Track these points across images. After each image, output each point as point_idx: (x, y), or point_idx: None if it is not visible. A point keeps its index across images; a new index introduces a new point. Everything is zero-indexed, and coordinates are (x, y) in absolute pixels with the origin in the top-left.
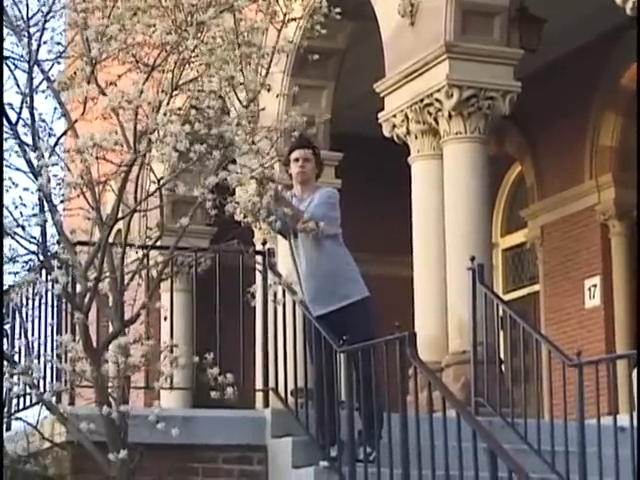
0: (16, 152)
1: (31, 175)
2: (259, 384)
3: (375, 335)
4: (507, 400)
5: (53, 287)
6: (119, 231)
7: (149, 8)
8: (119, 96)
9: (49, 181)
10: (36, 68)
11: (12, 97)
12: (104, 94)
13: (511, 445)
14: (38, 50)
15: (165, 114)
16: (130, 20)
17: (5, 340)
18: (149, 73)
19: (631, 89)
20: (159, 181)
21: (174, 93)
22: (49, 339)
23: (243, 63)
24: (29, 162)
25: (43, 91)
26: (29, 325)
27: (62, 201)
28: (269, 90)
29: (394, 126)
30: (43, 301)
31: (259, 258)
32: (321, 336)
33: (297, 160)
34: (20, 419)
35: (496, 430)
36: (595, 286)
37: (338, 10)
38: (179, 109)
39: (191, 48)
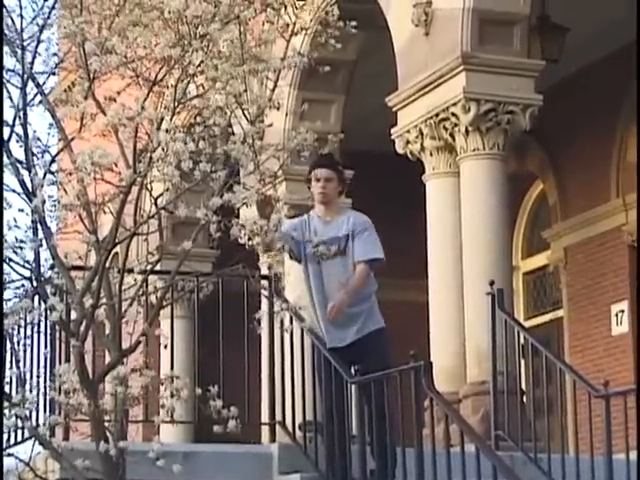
0: (9, 170)
1: (24, 196)
2: (265, 417)
3: (390, 366)
4: (529, 434)
5: (47, 315)
6: (116, 255)
7: (151, 21)
8: (119, 112)
9: (44, 202)
10: (30, 82)
11: (5, 112)
12: (103, 111)
13: None
14: (33, 62)
15: (167, 131)
16: (132, 33)
17: None
18: (150, 88)
19: None
20: (156, 201)
21: (177, 109)
22: (42, 369)
23: (250, 78)
24: (22, 182)
25: (38, 104)
26: (21, 354)
27: (57, 224)
28: (278, 108)
29: (408, 142)
30: (36, 329)
31: (265, 283)
32: (331, 366)
33: (318, 180)
34: (11, 455)
35: (518, 466)
36: (623, 311)
37: (354, 24)
38: (183, 126)
39: (196, 63)
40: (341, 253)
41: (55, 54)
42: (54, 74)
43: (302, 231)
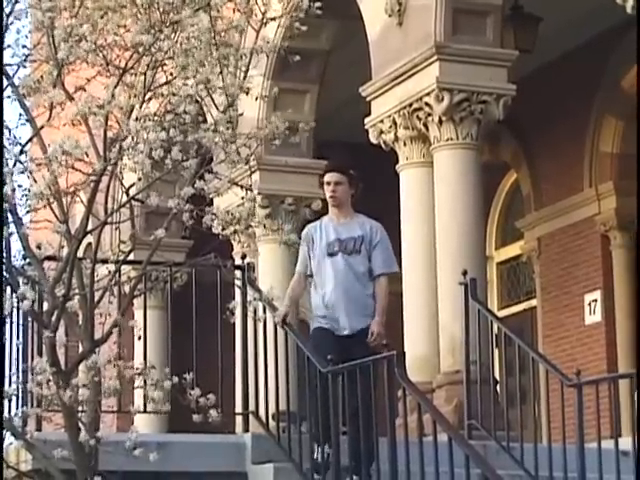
0: None
1: None
2: (239, 407)
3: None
4: (502, 423)
5: (19, 304)
6: (89, 245)
7: (120, 8)
8: (89, 101)
9: (14, 191)
10: None
11: None
12: (72, 99)
13: (506, 471)
14: (1, 54)
15: (137, 119)
16: (102, 19)
17: None
18: (121, 76)
19: (632, 92)
20: (127, 190)
21: (147, 97)
22: (14, 360)
23: (220, 65)
24: None
25: (9, 96)
26: None
27: (28, 211)
28: (247, 93)
29: (381, 132)
30: (8, 320)
31: (238, 273)
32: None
33: (328, 184)
34: None
35: (490, 455)
36: (595, 301)
37: (318, 5)
38: (155, 115)
39: (165, 49)
40: (356, 252)
41: (24, 46)
42: (24, 66)
43: (312, 236)
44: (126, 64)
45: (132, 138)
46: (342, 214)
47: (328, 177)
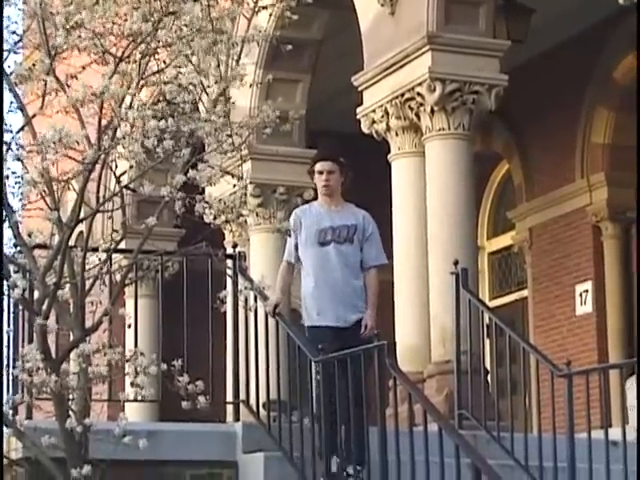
0: None
1: None
2: (230, 396)
3: None
4: (493, 413)
5: (10, 293)
6: (80, 233)
7: None
8: (84, 89)
9: (7, 178)
10: None
11: None
12: (63, 88)
13: (496, 461)
14: (1, 49)
15: (131, 107)
16: (101, 6)
17: None
18: (117, 65)
19: (625, 83)
20: (118, 179)
21: (141, 84)
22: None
23: (212, 52)
24: None
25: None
26: None
27: (20, 199)
28: (241, 80)
29: (373, 122)
30: None
31: (229, 262)
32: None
33: (321, 173)
34: None
35: (481, 445)
36: (587, 292)
37: None
38: (153, 104)
39: (159, 38)
40: (349, 241)
41: (14, 32)
42: (16, 53)
43: (300, 221)
44: (123, 52)
45: (130, 127)
46: (333, 202)
47: (320, 166)
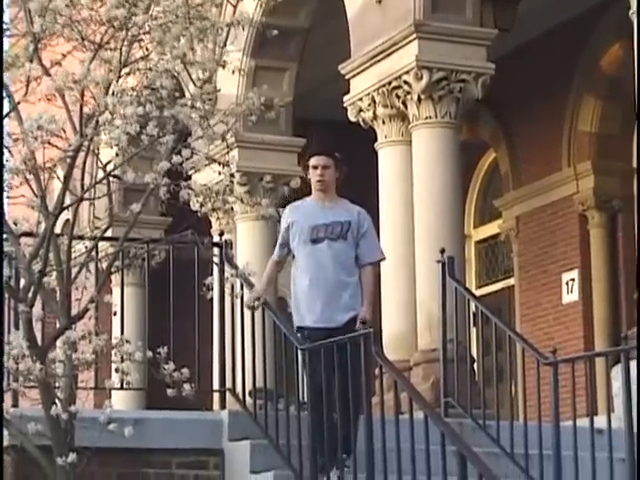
0: None
1: None
2: (216, 384)
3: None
4: (479, 401)
5: None
6: (67, 221)
7: None
8: (65, 76)
9: None
10: None
11: None
12: (48, 74)
13: (482, 448)
14: (1, 43)
15: (114, 94)
16: None
17: None
18: (96, 51)
19: (611, 71)
20: (104, 167)
21: (123, 72)
22: None
23: (196, 39)
24: None
25: None
26: None
27: (4, 187)
28: (224, 66)
29: (360, 110)
30: None
31: (216, 250)
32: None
33: (316, 168)
34: None
35: (466, 432)
36: (573, 280)
37: None
38: (132, 89)
39: (140, 24)
40: (342, 237)
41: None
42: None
43: (292, 218)
44: (101, 39)
45: (110, 114)
46: (327, 198)
47: (315, 161)
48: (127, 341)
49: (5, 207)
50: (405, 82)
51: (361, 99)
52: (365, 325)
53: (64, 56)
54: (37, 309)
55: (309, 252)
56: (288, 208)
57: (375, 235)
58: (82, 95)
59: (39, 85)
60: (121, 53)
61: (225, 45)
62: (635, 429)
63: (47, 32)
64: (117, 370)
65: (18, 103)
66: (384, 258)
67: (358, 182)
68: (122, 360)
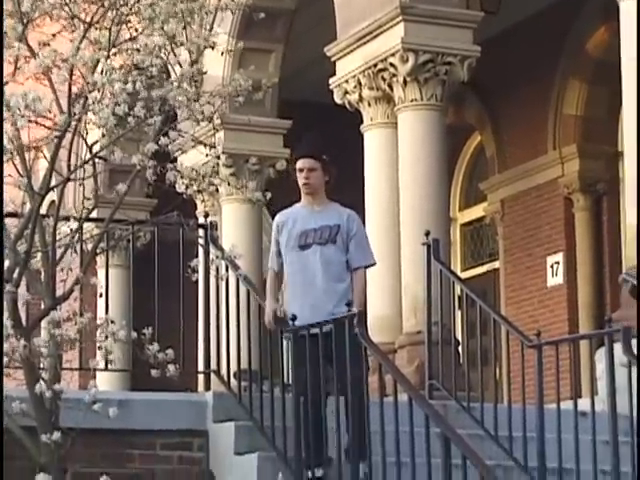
0: None
1: None
2: (201, 366)
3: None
4: (463, 383)
5: None
6: (52, 203)
7: None
8: (53, 54)
9: None
10: None
11: None
12: (34, 55)
13: (466, 430)
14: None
15: (102, 72)
16: None
17: None
18: (85, 31)
19: (597, 55)
20: (91, 147)
21: (112, 51)
22: None
23: (185, 20)
24: None
25: None
26: None
27: None
28: (213, 47)
29: (346, 92)
30: None
31: (201, 231)
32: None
33: (301, 170)
34: None
35: (451, 415)
36: (558, 263)
37: None
38: (121, 67)
39: (130, 3)
40: (332, 241)
41: None
42: None
43: (282, 225)
44: (92, 19)
45: (98, 90)
46: (316, 202)
47: (301, 163)
48: (112, 321)
49: None
50: (391, 64)
51: (347, 81)
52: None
53: (54, 36)
54: (22, 290)
55: (297, 259)
56: (278, 215)
57: (365, 238)
58: (71, 74)
59: (27, 64)
60: (110, 32)
61: (212, 27)
62: (617, 411)
63: (36, 11)
64: (100, 348)
65: (6, 83)
66: (374, 263)
67: (344, 164)
68: (105, 339)
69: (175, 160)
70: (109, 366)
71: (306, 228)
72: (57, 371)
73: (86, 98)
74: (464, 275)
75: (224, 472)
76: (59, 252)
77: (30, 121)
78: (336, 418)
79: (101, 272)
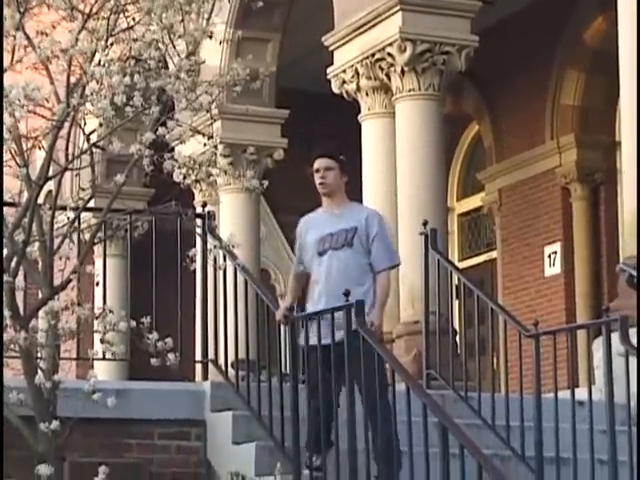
0: None
1: None
2: (199, 355)
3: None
4: (461, 373)
5: None
6: (49, 192)
7: None
8: (52, 44)
9: None
10: None
11: None
12: (32, 45)
13: (464, 420)
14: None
15: (100, 64)
16: None
17: None
18: (85, 21)
19: (594, 45)
20: (89, 137)
21: (110, 42)
22: None
23: (182, 10)
24: None
25: None
26: None
27: None
28: (211, 37)
29: (344, 82)
30: None
31: (199, 221)
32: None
33: (318, 171)
34: None
35: (448, 404)
36: (555, 253)
37: None
38: (119, 59)
39: None
40: (348, 245)
41: None
42: None
43: (303, 230)
44: (91, 9)
45: (96, 82)
46: (335, 204)
47: (317, 164)
48: (110, 311)
49: None
50: (389, 54)
51: (344, 71)
52: (373, 327)
53: (53, 27)
54: (19, 279)
55: (317, 265)
56: (301, 221)
57: (388, 238)
58: (69, 64)
59: (27, 55)
60: (108, 23)
61: (210, 16)
62: (615, 401)
63: (33, 2)
64: (102, 341)
65: (5, 71)
66: (399, 263)
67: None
68: (106, 330)
69: (173, 150)
70: (108, 354)
71: (324, 234)
72: (55, 361)
73: (84, 88)
74: (461, 265)
75: (222, 461)
76: (57, 242)
77: (29, 111)
78: (348, 413)
79: (98, 262)
